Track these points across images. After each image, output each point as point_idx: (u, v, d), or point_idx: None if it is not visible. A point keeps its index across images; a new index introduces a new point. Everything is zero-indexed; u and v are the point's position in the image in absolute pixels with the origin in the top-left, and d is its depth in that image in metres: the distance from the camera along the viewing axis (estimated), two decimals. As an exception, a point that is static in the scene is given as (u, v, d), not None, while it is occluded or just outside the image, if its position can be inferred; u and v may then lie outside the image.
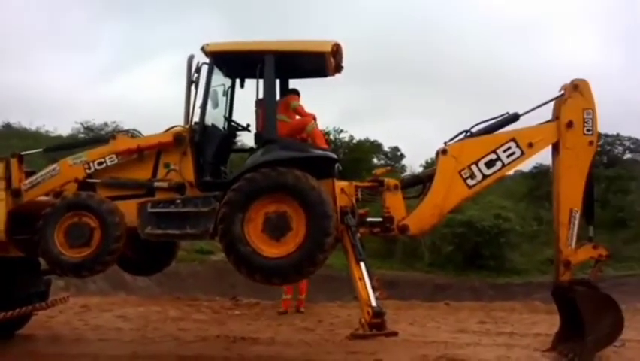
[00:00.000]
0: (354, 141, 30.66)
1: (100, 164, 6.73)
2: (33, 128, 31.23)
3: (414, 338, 7.90)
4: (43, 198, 6.97)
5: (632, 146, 41.70)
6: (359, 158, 28.67)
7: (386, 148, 39.76)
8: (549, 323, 8.21)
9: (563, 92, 6.61)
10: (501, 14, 65.63)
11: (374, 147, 36.09)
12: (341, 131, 29.28)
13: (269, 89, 6.47)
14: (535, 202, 30.15)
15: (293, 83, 7.50)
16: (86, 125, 30.28)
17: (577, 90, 6.51)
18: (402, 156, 40.31)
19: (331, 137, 27.31)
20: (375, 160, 34.38)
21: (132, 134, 7.05)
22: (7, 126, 31.78)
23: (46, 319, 8.95)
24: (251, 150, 6.91)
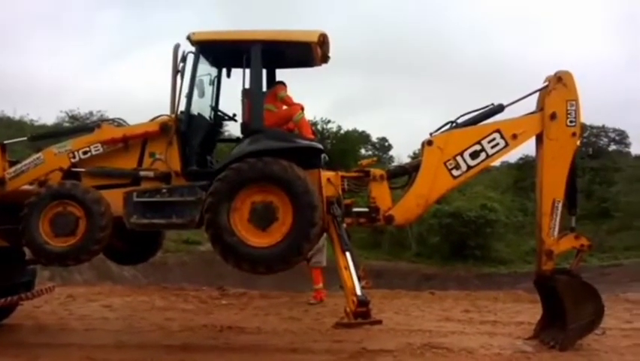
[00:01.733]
0: (342, 132, 30.72)
1: (85, 153, 6.68)
2: (17, 117, 30.97)
3: (399, 327, 7.96)
4: (27, 187, 6.91)
5: (617, 137, 42.27)
6: (347, 148, 28.76)
7: (374, 139, 39.93)
8: (532, 311, 8.32)
9: (547, 83, 6.65)
10: (503, 3, 65.39)
11: (362, 138, 36.24)
12: (329, 121, 29.33)
13: (255, 79, 6.45)
14: (521, 193, 30.52)
15: (280, 73, 7.49)
16: (70, 114, 30.12)
17: (560, 82, 6.55)
18: (390, 147, 40.56)
19: (319, 127, 27.36)
20: (362, 151, 34.52)
21: (118, 123, 7.00)
22: (-9, 115, 31.42)
23: (32, 309, 8.88)
24: (237, 140, 6.88)
